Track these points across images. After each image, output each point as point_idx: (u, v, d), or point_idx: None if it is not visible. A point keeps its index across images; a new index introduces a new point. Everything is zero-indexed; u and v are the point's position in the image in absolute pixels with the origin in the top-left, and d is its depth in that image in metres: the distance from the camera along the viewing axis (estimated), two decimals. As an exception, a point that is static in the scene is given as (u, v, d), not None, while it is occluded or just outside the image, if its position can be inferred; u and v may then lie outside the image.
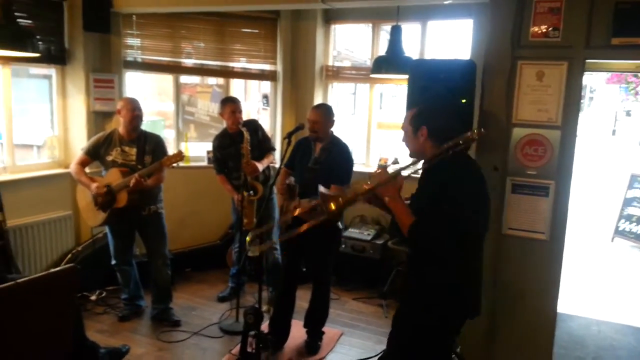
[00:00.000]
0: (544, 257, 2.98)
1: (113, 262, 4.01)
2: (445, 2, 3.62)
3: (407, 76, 3.17)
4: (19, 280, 2.34)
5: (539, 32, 2.79)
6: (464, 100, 2.79)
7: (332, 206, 2.13)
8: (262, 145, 4.25)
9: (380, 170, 2.17)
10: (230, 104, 4.18)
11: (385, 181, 2.08)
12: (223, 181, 4.32)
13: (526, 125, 2.90)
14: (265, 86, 5.69)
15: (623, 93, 22.76)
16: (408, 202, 2.17)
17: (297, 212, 3.38)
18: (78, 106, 4.58)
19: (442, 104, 2.24)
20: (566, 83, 2.79)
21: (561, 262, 3.00)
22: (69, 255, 4.36)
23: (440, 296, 2.12)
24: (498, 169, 2.97)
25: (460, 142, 2.00)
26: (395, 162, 4.91)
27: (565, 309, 4.27)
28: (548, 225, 2.93)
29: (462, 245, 2.04)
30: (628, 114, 24.77)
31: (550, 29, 2.77)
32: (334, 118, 3.52)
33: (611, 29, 2.64)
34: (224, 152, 4.27)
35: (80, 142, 4.47)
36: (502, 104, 2.92)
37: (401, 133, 2.27)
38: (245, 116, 4.30)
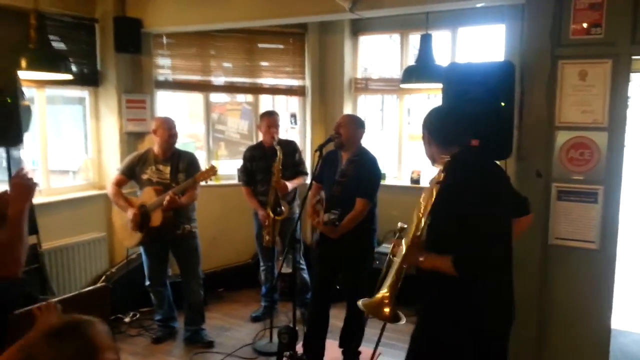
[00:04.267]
0: (595, 268, 2.80)
1: (147, 282, 3.98)
2: (478, 5, 3.51)
3: (438, 85, 3.07)
4: (50, 300, 2.31)
5: (580, 29, 2.66)
6: (503, 104, 2.66)
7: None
8: (296, 167, 4.23)
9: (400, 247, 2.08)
10: (266, 118, 4.17)
11: (407, 256, 2.01)
12: (249, 194, 4.27)
13: (570, 127, 2.75)
14: (293, 104, 5.65)
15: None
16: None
17: (320, 228, 3.31)
18: (111, 127, 4.62)
19: (447, 107, 2.21)
20: (611, 82, 2.64)
21: (614, 272, 2.81)
22: (103, 277, 4.36)
23: (466, 311, 2.01)
24: (541, 175, 2.82)
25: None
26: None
27: (616, 324, 4.02)
28: (598, 233, 2.76)
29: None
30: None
31: (591, 25, 2.63)
32: (363, 130, 3.40)
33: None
34: (254, 164, 4.24)
35: (113, 163, 4.50)
36: (543, 106, 2.78)
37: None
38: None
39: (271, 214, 4.00)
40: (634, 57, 2.62)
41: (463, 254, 1.90)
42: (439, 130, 2.08)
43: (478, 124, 2.60)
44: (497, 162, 2.21)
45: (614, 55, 2.63)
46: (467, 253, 1.90)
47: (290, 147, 4.23)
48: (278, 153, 3.95)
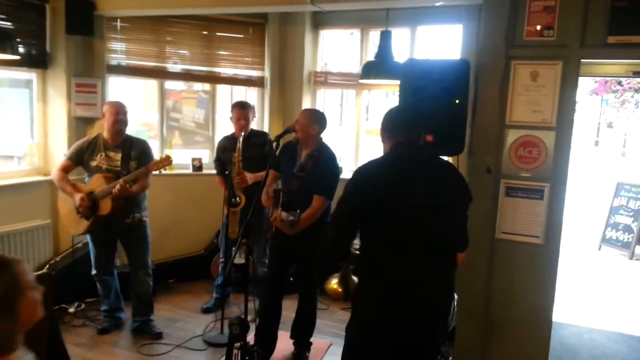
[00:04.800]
0: (539, 262, 2.90)
1: (93, 272, 3.85)
2: (437, 4, 3.57)
3: (396, 81, 3.09)
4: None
5: (533, 31, 2.74)
6: (457, 101, 2.72)
7: None
8: (265, 160, 4.12)
9: None
10: (237, 109, 4.10)
11: None
12: (221, 184, 4.22)
13: (520, 126, 2.83)
14: (252, 95, 5.59)
15: (604, 105, 23.22)
16: None
17: (276, 224, 3.27)
18: (59, 112, 4.43)
19: (399, 105, 2.41)
20: (561, 83, 2.73)
21: (557, 267, 2.92)
22: (47, 266, 4.19)
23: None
24: (491, 171, 2.90)
25: None
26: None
27: (556, 317, 4.21)
28: (543, 229, 2.85)
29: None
30: (610, 125, 25.29)
31: (544, 28, 2.72)
32: (323, 125, 3.34)
33: (607, 27, 2.59)
34: (225, 154, 4.19)
35: (60, 148, 4.32)
36: (495, 104, 2.85)
37: None
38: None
39: (225, 206, 3.95)
40: (583, 60, 2.72)
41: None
42: (383, 126, 2.21)
43: (427, 121, 2.66)
44: (443, 161, 2.27)
45: (565, 57, 2.72)
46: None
47: (260, 139, 4.17)
48: (238, 144, 3.90)
